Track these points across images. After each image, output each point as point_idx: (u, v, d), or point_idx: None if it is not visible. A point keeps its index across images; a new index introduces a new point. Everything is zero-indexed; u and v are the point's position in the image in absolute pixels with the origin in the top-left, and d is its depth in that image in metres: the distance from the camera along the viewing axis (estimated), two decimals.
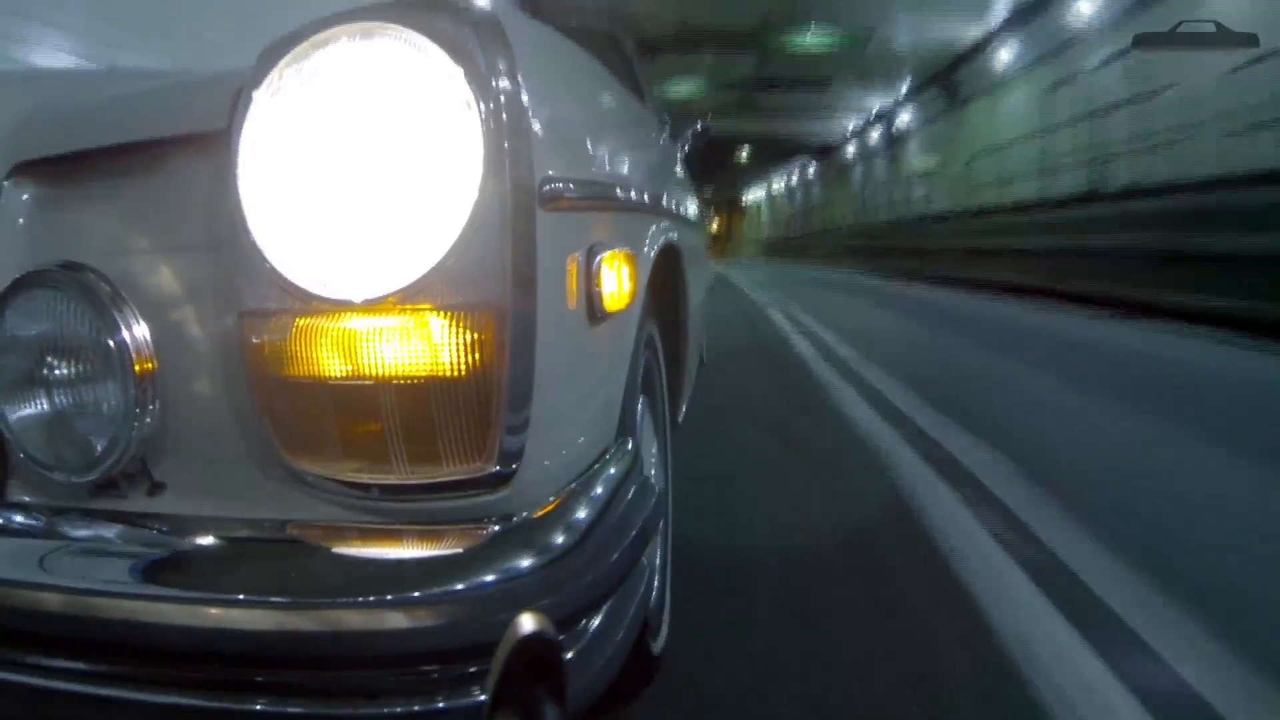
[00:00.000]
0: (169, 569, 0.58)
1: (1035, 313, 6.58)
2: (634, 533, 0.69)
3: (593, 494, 0.67)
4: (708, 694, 1.14)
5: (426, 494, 0.60)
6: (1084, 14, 8.88)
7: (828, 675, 1.19)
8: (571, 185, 0.66)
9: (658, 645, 1.10)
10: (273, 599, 0.53)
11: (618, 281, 0.76)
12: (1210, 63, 6.56)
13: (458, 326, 0.56)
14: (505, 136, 0.56)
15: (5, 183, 0.67)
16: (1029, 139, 10.65)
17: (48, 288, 0.63)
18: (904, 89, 14.52)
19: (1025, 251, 8.57)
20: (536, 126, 0.59)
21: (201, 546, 0.59)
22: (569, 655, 0.61)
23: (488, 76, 0.56)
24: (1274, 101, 6.02)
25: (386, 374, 0.57)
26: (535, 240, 0.58)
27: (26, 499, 0.67)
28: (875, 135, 18.74)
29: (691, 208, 1.97)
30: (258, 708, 0.53)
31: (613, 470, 0.73)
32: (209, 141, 0.60)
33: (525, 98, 0.58)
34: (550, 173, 0.61)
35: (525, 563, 0.56)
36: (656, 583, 1.10)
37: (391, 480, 0.59)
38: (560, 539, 0.60)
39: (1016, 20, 10.28)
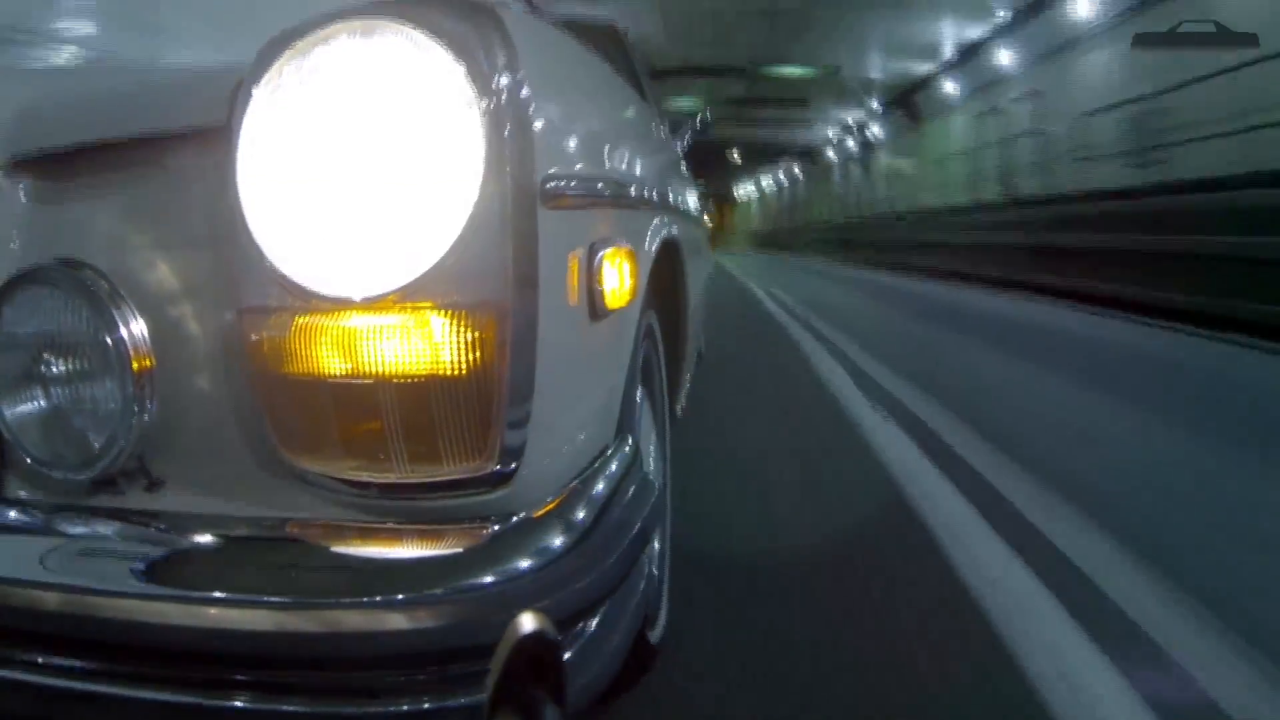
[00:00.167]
0: (167, 567, 0.57)
1: (951, 290, 8.94)
2: (634, 532, 0.68)
3: (593, 493, 0.67)
4: None
5: (426, 493, 0.59)
6: (1004, 61, 11.69)
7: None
8: (573, 182, 0.65)
9: (655, 635, 1.09)
10: (272, 598, 0.52)
11: (619, 278, 0.76)
12: (1071, 108, 9.48)
13: (458, 325, 0.55)
14: (507, 134, 0.56)
15: (2, 178, 0.66)
16: (964, 154, 13.54)
17: (45, 284, 0.62)
18: (871, 106, 17.68)
19: (955, 246, 11.02)
20: (538, 124, 0.59)
21: (200, 544, 0.59)
22: (569, 655, 0.61)
23: (489, 74, 0.56)
24: (1105, 140, 8.61)
25: (387, 372, 0.56)
26: (537, 238, 0.58)
27: (24, 496, 0.67)
28: (850, 143, 21.35)
29: (691, 202, 1.97)
30: (256, 706, 0.53)
31: (613, 468, 0.73)
32: (209, 137, 0.60)
33: (527, 95, 0.58)
34: (552, 170, 0.61)
35: (525, 563, 0.56)
36: (654, 570, 1.09)
37: (391, 479, 0.58)
38: (560, 539, 0.59)
39: (956, 62, 13.33)
